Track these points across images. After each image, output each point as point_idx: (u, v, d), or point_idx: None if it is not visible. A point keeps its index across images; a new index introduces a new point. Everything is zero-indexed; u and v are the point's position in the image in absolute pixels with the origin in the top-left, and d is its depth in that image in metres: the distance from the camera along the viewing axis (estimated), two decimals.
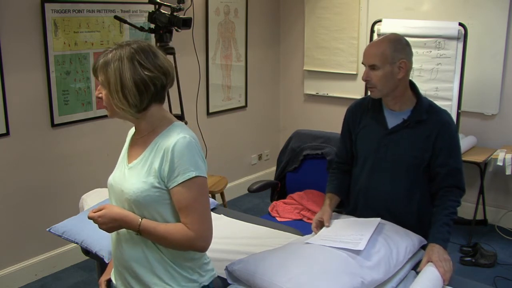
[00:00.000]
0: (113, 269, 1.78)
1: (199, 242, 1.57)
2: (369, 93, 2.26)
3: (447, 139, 2.14)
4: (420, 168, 2.17)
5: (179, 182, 1.53)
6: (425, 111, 2.16)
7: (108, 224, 1.57)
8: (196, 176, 1.53)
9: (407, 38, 2.19)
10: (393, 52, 2.09)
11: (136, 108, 1.56)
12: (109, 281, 1.78)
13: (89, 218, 1.58)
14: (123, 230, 1.62)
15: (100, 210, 1.57)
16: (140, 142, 1.65)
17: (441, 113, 2.18)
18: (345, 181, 2.39)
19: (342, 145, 2.40)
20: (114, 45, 1.59)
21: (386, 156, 2.20)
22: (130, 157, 1.66)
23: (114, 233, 1.67)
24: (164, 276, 1.62)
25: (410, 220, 2.21)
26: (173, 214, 1.60)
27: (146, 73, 1.53)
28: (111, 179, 1.69)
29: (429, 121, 2.15)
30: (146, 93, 1.55)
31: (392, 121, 2.20)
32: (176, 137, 1.55)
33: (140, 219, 1.56)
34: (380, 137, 2.22)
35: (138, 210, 1.58)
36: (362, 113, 2.30)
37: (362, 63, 2.19)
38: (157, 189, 1.56)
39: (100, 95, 1.60)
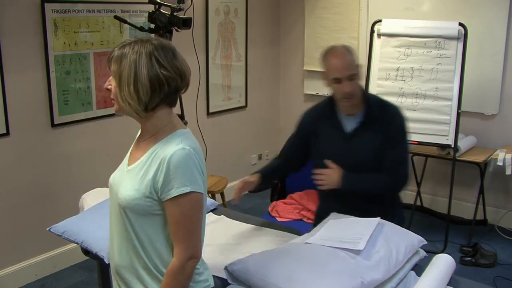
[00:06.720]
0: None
1: (189, 264, 1.50)
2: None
3: (393, 133, 2.21)
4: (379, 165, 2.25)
5: (172, 196, 1.46)
6: (377, 108, 2.23)
7: None
8: (190, 192, 1.46)
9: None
10: (355, 58, 2.20)
11: (144, 106, 1.49)
12: None
13: None
14: (116, 236, 1.60)
15: None
16: (142, 145, 1.58)
17: (390, 108, 2.26)
18: (277, 170, 2.58)
19: (292, 145, 2.57)
20: (134, 38, 1.52)
21: (347, 160, 2.24)
22: (131, 159, 1.61)
23: (110, 238, 1.65)
24: (149, 285, 1.57)
25: (374, 214, 2.26)
26: (163, 228, 1.53)
27: (162, 71, 1.47)
28: (111, 179, 1.64)
29: (382, 118, 2.21)
30: (159, 92, 1.48)
31: (348, 125, 2.26)
32: (174, 148, 1.47)
33: None
34: (339, 142, 2.27)
35: (127, 216, 1.53)
36: (318, 119, 2.36)
37: (335, 78, 2.20)
38: (149, 199, 1.50)
39: (109, 86, 1.54)
